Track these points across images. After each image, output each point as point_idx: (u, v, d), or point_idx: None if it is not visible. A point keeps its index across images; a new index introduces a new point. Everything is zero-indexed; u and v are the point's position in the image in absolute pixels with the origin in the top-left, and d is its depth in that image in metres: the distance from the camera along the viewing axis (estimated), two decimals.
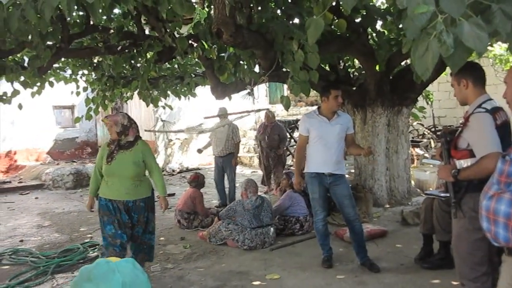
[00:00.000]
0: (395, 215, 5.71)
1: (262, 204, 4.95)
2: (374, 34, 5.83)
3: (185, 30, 5.81)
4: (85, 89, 7.10)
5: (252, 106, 8.64)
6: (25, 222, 6.80)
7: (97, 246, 5.07)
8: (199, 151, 7.39)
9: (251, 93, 6.15)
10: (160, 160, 11.48)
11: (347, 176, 4.72)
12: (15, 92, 5.45)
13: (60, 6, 2.34)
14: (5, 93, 5.53)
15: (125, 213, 3.72)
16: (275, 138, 7.69)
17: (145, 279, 1.28)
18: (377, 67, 5.66)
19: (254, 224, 4.78)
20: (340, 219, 4.82)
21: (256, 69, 5.37)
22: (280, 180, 6.38)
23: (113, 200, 3.71)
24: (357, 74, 6.70)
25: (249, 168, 11.61)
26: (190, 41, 5.08)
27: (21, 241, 5.72)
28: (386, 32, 5.78)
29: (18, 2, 2.43)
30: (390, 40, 5.77)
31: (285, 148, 8.24)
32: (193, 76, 7.20)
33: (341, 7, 4.56)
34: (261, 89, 14.33)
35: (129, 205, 3.74)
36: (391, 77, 6.03)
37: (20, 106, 5.88)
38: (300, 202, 5.28)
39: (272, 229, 4.90)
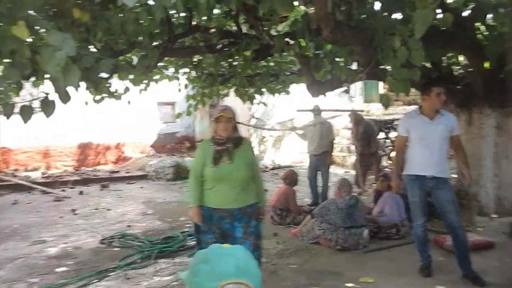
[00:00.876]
0: (503, 226, 5.19)
1: (356, 204, 4.82)
2: (483, 28, 5.34)
3: (281, 28, 5.86)
4: (186, 86, 7.51)
5: (348, 104, 8.47)
6: (132, 209, 7.39)
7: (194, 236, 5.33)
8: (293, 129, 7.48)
9: (347, 91, 6.02)
10: None
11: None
12: (126, 89, 5.93)
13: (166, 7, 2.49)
14: (116, 90, 6.04)
15: (229, 222, 3.19)
16: (365, 137, 7.51)
17: (256, 265, 1.32)
18: (485, 64, 5.19)
19: (348, 223, 4.67)
20: (440, 226, 4.51)
21: (353, 66, 5.23)
22: (378, 180, 6.18)
23: (217, 209, 3.19)
24: (462, 71, 6.20)
25: (342, 167, 11.38)
26: (286, 39, 5.10)
27: (129, 226, 6.22)
28: (498, 26, 5.26)
29: (138, 5, 2.62)
30: (503, 34, 5.24)
31: (376, 148, 7.94)
32: (288, 73, 7.24)
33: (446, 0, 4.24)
34: (357, 87, 13.96)
35: (235, 213, 3.19)
36: (502, 75, 5.48)
37: (129, 102, 6.39)
38: (401, 205, 5.04)
39: (366, 230, 4.75)
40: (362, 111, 11.11)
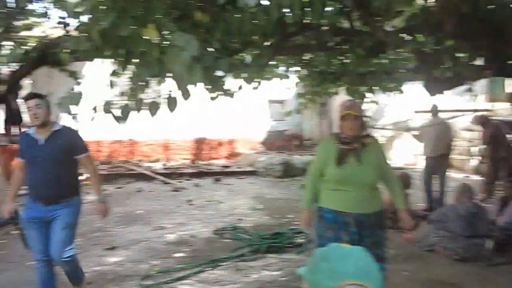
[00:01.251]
0: None
1: (479, 212, 4.41)
2: None
3: (396, 23, 5.58)
4: (296, 84, 7.56)
5: (469, 104, 7.80)
6: (242, 203, 7.68)
7: (302, 234, 5.36)
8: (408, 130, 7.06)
9: (469, 89, 5.53)
10: None
11: None
12: (239, 87, 6.15)
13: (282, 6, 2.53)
14: (230, 88, 6.30)
15: (355, 229, 2.88)
16: (493, 141, 6.82)
17: (377, 267, 1.29)
18: None
19: (468, 232, 4.29)
20: None
21: (477, 62, 4.78)
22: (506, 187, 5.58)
23: (340, 211, 2.90)
24: None
25: (460, 172, 10.50)
26: (402, 35, 4.84)
27: (239, 219, 6.48)
28: None
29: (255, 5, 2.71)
30: None
31: (505, 153, 7.16)
32: (403, 71, 6.87)
33: None
34: (480, 85, 12.72)
35: (361, 220, 2.88)
36: None
37: (242, 100, 6.63)
38: None
39: (490, 241, 4.31)
40: (488, 111, 10.12)
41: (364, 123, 3.00)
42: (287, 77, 7.39)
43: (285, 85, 7.50)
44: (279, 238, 5.18)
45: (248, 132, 13.55)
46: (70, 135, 3.44)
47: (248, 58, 5.87)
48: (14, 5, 5.71)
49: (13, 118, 10.34)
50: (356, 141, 2.91)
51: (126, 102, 2.90)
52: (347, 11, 5.05)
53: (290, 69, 7.28)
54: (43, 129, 3.30)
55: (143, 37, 2.68)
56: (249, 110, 12.71)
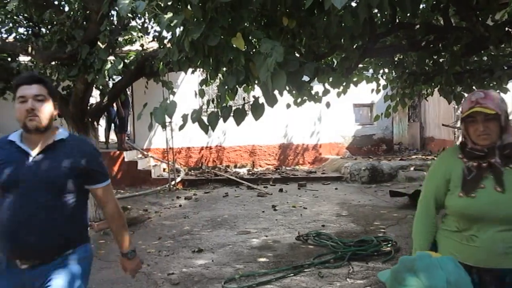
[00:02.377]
0: None
1: None
2: None
3: (499, 16, 5.11)
4: (384, 87, 7.25)
5: None
6: (326, 209, 7.55)
7: (389, 242, 5.12)
8: None
9: None
10: None
11: None
12: (326, 92, 6.06)
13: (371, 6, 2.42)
14: (316, 93, 6.22)
15: None
16: None
17: (469, 280, 1.17)
18: None
19: None
20: None
21: None
22: None
23: (471, 266, 1.86)
24: None
25: None
26: (506, 29, 4.43)
27: (323, 226, 6.37)
28: None
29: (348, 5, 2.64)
30: None
31: None
32: (505, 68, 6.28)
33: None
34: None
35: (504, 280, 1.86)
36: None
37: (328, 105, 6.51)
38: None
39: None
40: None
41: (508, 126, 1.92)
42: (376, 79, 7.14)
43: (372, 88, 7.22)
44: (364, 246, 4.99)
45: (333, 137, 13.32)
46: (83, 150, 2.14)
47: (334, 62, 5.78)
48: (117, 21, 6.18)
49: (117, 127, 11.33)
50: (494, 154, 1.90)
51: (214, 110, 2.97)
52: (443, 7, 4.74)
53: (378, 71, 7.02)
54: (38, 137, 2.04)
55: (231, 46, 2.73)
56: (334, 115, 12.50)
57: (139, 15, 5.94)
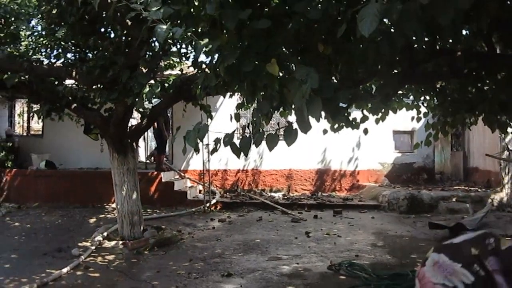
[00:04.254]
0: None
1: None
2: None
3: None
4: (425, 114, 7.06)
5: None
6: (361, 239, 7.32)
7: None
8: None
9: None
10: (503, 194, 10.11)
11: None
12: (364, 118, 5.96)
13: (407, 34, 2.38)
14: (354, 119, 6.14)
15: None
16: None
17: None
18: None
19: None
20: None
21: None
22: None
23: None
24: None
25: None
26: None
27: (357, 256, 6.17)
28: None
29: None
30: None
31: None
32: None
33: None
34: None
35: None
36: None
37: (365, 131, 6.40)
38: None
39: None
40: None
41: None
42: (416, 107, 6.97)
43: (413, 115, 7.05)
44: (399, 280, 4.77)
45: (372, 164, 13.04)
46: None
47: (373, 88, 5.70)
48: (158, 47, 6.40)
49: (157, 148, 11.71)
50: None
51: (247, 134, 2.97)
52: (485, 33, 4.61)
53: (419, 98, 6.86)
54: None
55: (266, 71, 2.74)
56: (373, 141, 12.27)
57: (178, 41, 6.13)
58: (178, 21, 2.90)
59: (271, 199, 11.50)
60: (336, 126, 5.97)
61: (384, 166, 13.18)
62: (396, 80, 4.41)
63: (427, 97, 6.88)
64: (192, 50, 6.88)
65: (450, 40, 4.74)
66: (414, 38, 2.76)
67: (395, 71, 4.53)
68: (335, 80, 3.92)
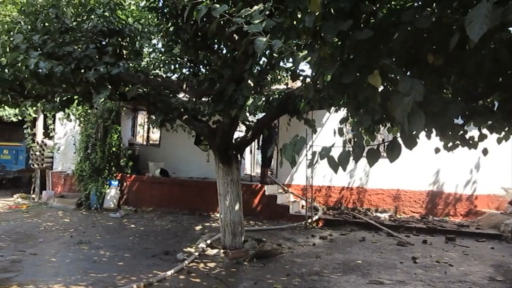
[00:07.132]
0: None
1: None
2: None
3: None
4: None
5: None
6: (477, 270, 6.58)
7: None
8: None
9: None
10: None
11: None
12: (482, 137, 5.40)
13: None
14: (471, 138, 5.58)
15: None
16: None
17: None
18: None
19: None
20: None
21: None
22: None
23: None
24: None
25: None
26: None
27: None
28: None
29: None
30: None
31: None
32: None
33: None
34: None
35: None
36: None
37: (485, 152, 5.78)
38: None
39: None
40: None
41: None
42: None
43: None
44: None
45: (493, 189, 11.73)
46: None
47: (494, 103, 5.14)
48: (266, 62, 6.58)
49: (263, 161, 11.99)
50: None
51: (347, 149, 2.85)
52: None
53: None
54: None
55: (367, 84, 2.62)
56: (495, 163, 11.06)
57: (283, 55, 6.22)
58: (279, 34, 2.92)
59: (376, 219, 10.96)
60: (450, 144, 5.50)
61: (508, 191, 11.75)
62: None
63: None
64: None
65: None
66: None
67: None
68: (450, 95, 3.61)
